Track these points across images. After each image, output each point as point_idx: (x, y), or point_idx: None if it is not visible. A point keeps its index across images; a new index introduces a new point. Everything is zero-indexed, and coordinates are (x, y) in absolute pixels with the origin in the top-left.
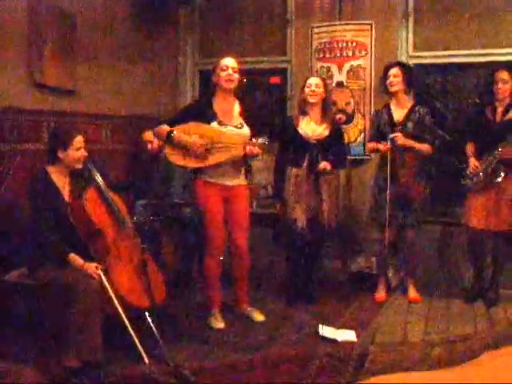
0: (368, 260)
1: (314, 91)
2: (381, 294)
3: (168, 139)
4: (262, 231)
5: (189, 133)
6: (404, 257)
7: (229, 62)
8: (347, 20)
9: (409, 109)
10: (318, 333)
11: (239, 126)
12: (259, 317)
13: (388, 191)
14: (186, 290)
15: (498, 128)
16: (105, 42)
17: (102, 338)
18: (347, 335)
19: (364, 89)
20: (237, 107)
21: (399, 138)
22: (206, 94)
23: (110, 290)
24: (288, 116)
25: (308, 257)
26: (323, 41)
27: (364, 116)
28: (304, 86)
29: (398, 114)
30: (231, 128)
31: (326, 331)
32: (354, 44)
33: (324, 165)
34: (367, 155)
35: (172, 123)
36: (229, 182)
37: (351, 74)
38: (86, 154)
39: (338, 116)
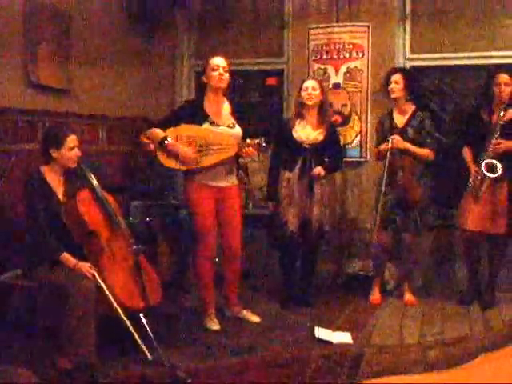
0: (364, 263)
1: (310, 94)
2: (376, 296)
3: (161, 145)
4: (257, 232)
5: (181, 136)
6: (401, 260)
7: (219, 61)
8: (344, 22)
9: (410, 114)
10: (313, 335)
11: (231, 125)
12: (254, 318)
13: (383, 191)
14: (182, 291)
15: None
16: (101, 42)
17: (96, 339)
18: (343, 337)
19: (360, 91)
20: (227, 107)
21: (397, 140)
22: (197, 95)
23: (105, 288)
24: (284, 118)
25: (301, 260)
26: (320, 42)
27: (360, 118)
28: (301, 89)
29: (399, 119)
30: (223, 128)
31: (321, 333)
32: (351, 46)
33: (318, 170)
34: (364, 157)
35: (164, 125)
36: (221, 183)
37: (348, 75)
38: (79, 153)
39: (334, 118)
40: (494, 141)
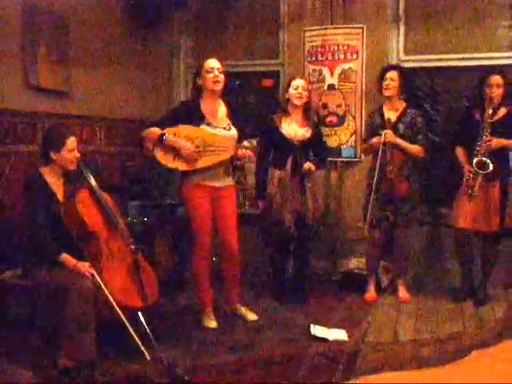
0: (358, 260)
1: (301, 93)
2: (371, 294)
3: (159, 142)
4: (253, 231)
5: (179, 135)
6: (394, 257)
7: (214, 63)
8: (339, 24)
9: (401, 111)
10: (309, 332)
11: (227, 127)
12: (251, 316)
13: (375, 188)
14: (180, 290)
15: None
16: (99, 44)
17: (95, 337)
18: (338, 335)
19: (355, 91)
20: (223, 109)
21: (389, 134)
22: (193, 96)
23: (104, 288)
24: (270, 117)
25: (295, 257)
26: (315, 44)
27: (355, 118)
28: (288, 87)
29: (391, 115)
30: (220, 130)
31: (317, 331)
32: (346, 47)
33: (308, 165)
34: (358, 157)
35: (161, 125)
36: (217, 184)
37: (343, 76)
38: (78, 155)
39: (330, 118)
40: (484, 138)
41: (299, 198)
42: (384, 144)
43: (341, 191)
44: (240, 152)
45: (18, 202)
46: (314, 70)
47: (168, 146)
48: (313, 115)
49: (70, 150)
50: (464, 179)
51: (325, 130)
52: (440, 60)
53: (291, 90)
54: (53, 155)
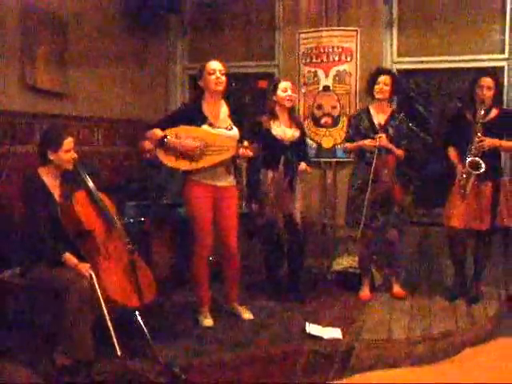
0: (353, 259)
1: (291, 96)
2: (365, 292)
3: (161, 144)
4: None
5: (180, 136)
6: (386, 256)
7: (215, 65)
8: (333, 26)
9: (388, 115)
10: (304, 330)
11: (229, 127)
12: (247, 315)
13: (369, 188)
14: (178, 289)
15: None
16: (96, 46)
17: (93, 336)
18: (333, 333)
19: (349, 93)
20: (225, 109)
21: (383, 138)
22: (195, 98)
23: (97, 288)
24: (257, 120)
25: (289, 257)
26: (310, 46)
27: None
28: (276, 90)
29: (379, 118)
30: (221, 130)
31: (312, 329)
32: (340, 50)
33: (304, 166)
34: (352, 157)
35: (163, 126)
36: (219, 183)
37: (337, 78)
38: (75, 155)
39: (325, 120)
40: (477, 139)
41: (290, 198)
42: (380, 149)
43: (335, 191)
44: (240, 151)
45: (17, 202)
46: (308, 72)
47: (170, 148)
48: (297, 115)
49: (68, 151)
50: (457, 179)
51: (320, 131)
52: (433, 62)
53: (280, 93)
54: (50, 155)
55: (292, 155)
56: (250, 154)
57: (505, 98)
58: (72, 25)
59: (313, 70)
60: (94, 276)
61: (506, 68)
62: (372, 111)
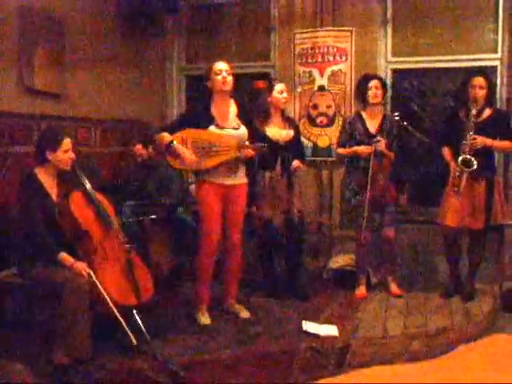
0: (349, 258)
1: (286, 97)
2: (362, 290)
3: (167, 149)
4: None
5: (186, 140)
6: (382, 255)
7: (222, 65)
8: (328, 27)
9: (381, 119)
10: (301, 328)
11: (236, 126)
12: (245, 313)
13: (368, 192)
14: (176, 287)
15: (474, 130)
16: (93, 47)
17: (91, 335)
18: (329, 330)
19: (345, 92)
20: (234, 109)
21: (382, 143)
22: (203, 99)
23: (100, 286)
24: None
25: (288, 255)
26: (305, 46)
27: (344, 119)
28: (272, 92)
29: (372, 123)
30: (229, 130)
31: (309, 326)
32: (335, 50)
33: (297, 163)
34: (346, 161)
35: (171, 129)
36: (227, 181)
37: (332, 78)
38: (73, 156)
39: (320, 119)
40: (469, 137)
41: (287, 198)
42: (375, 152)
43: (331, 190)
44: (241, 151)
45: (15, 203)
46: (304, 72)
47: (175, 153)
48: (289, 115)
49: (66, 151)
50: (450, 177)
51: (315, 131)
52: (427, 62)
53: (276, 95)
54: (48, 155)
55: (288, 155)
56: (252, 153)
57: (498, 97)
58: (69, 27)
59: (308, 69)
60: (92, 274)
61: (498, 67)
62: (365, 116)
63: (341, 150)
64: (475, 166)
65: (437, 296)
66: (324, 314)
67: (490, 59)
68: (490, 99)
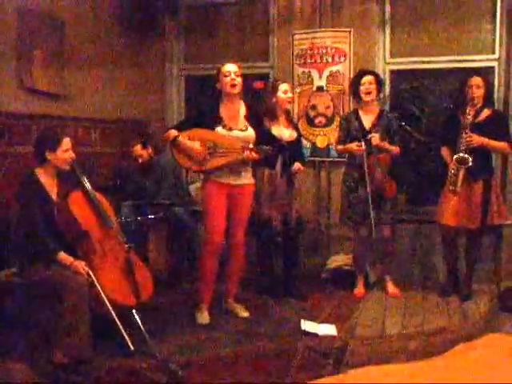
0: (347, 257)
1: (290, 97)
2: (360, 290)
3: (173, 144)
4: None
5: (193, 138)
6: (380, 254)
7: (230, 67)
8: (327, 27)
9: (377, 114)
10: (300, 327)
11: (244, 128)
12: (244, 313)
13: (368, 188)
14: (174, 287)
15: (471, 130)
16: (93, 47)
17: (90, 334)
18: (328, 329)
19: (343, 93)
20: (243, 110)
21: (375, 138)
22: (212, 100)
23: (98, 286)
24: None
25: (285, 254)
26: (304, 47)
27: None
28: (275, 91)
29: (368, 119)
30: (236, 132)
31: (307, 326)
32: (334, 50)
33: (298, 166)
34: (345, 157)
35: (180, 128)
36: (233, 181)
37: (331, 78)
38: (73, 155)
39: (319, 119)
40: (465, 135)
41: (286, 198)
42: (371, 147)
43: (329, 190)
44: (245, 154)
45: (14, 202)
46: (302, 73)
47: (181, 148)
48: (292, 116)
49: (65, 151)
50: (448, 176)
51: (314, 131)
52: (425, 62)
53: (281, 95)
54: (48, 155)
55: (290, 155)
56: (255, 156)
57: (495, 98)
58: (69, 27)
59: (307, 70)
60: (91, 273)
61: (496, 68)
62: (360, 112)
63: (338, 147)
64: (470, 163)
65: (434, 296)
66: (322, 314)
67: (487, 60)
68: (488, 99)
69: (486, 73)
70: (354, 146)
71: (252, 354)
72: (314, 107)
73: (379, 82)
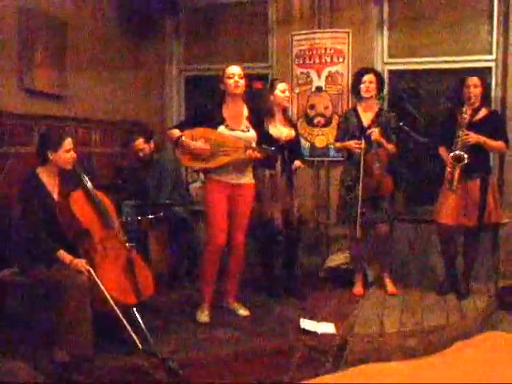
0: (346, 256)
1: (288, 96)
2: (358, 288)
3: (176, 143)
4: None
5: (196, 137)
6: (378, 252)
7: (234, 69)
8: (326, 28)
9: (376, 112)
10: (299, 326)
11: (245, 129)
12: (244, 312)
13: (360, 186)
14: (175, 286)
15: (468, 129)
16: (94, 49)
17: (91, 332)
18: (327, 328)
19: (342, 93)
20: (245, 112)
21: (375, 133)
22: (216, 100)
23: (100, 283)
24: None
25: (285, 254)
26: (303, 48)
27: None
28: (273, 91)
29: (367, 116)
30: (238, 132)
31: (307, 324)
32: (332, 51)
33: (298, 163)
34: (344, 157)
35: (182, 127)
36: (234, 181)
37: (329, 79)
38: (75, 155)
39: (317, 119)
40: (461, 133)
41: (286, 197)
42: (370, 144)
43: (328, 189)
44: (247, 153)
45: (15, 202)
46: (301, 73)
47: (184, 148)
48: (289, 115)
49: (67, 151)
50: (445, 174)
51: (313, 131)
52: (423, 63)
53: (279, 94)
54: (50, 155)
55: (289, 154)
56: (257, 155)
57: (492, 97)
58: (69, 28)
59: (305, 70)
60: (92, 271)
61: (493, 68)
62: (359, 110)
63: (336, 144)
64: (466, 161)
65: (432, 294)
66: (322, 312)
67: (484, 60)
68: (485, 99)
69: (483, 73)
70: (352, 143)
71: (252, 352)
72: (312, 107)
73: (380, 81)
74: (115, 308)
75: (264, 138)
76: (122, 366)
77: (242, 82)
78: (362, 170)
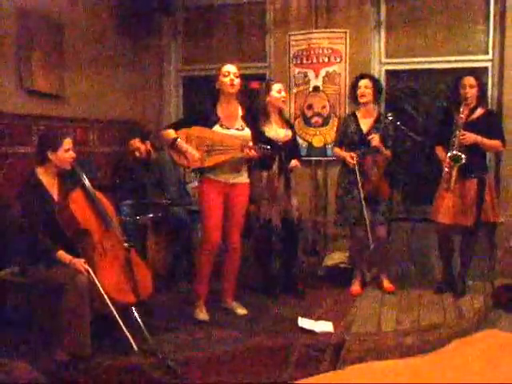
0: (343, 255)
1: (284, 97)
2: (356, 287)
3: (172, 145)
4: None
5: (191, 136)
6: (376, 252)
7: (230, 68)
8: (323, 28)
9: (375, 118)
10: (297, 324)
11: (240, 128)
12: (242, 311)
13: (359, 191)
14: (173, 285)
15: (464, 128)
16: (92, 48)
17: (91, 331)
18: (325, 326)
19: (339, 93)
20: (240, 111)
21: (375, 139)
22: (210, 99)
23: (98, 283)
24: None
25: (284, 254)
26: (300, 48)
27: (339, 119)
28: (269, 91)
29: (365, 123)
30: (233, 131)
31: (304, 323)
32: (330, 51)
33: (295, 163)
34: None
35: (177, 127)
36: (229, 180)
37: (327, 79)
38: (74, 155)
39: (315, 119)
40: (458, 133)
41: (284, 197)
42: (370, 150)
43: (326, 189)
44: (244, 151)
45: (15, 202)
46: (299, 73)
47: (180, 150)
48: (286, 115)
49: (67, 150)
50: (443, 174)
51: (310, 131)
52: (420, 63)
53: (275, 94)
54: (49, 155)
55: (286, 154)
56: (254, 154)
57: (489, 97)
58: (68, 28)
59: (303, 71)
60: (91, 271)
61: (489, 68)
62: (358, 115)
63: (334, 150)
64: (463, 161)
65: (429, 292)
66: (319, 311)
67: (481, 60)
68: (481, 99)
69: (479, 73)
70: (347, 156)
71: (249, 351)
72: (310, 107)
73: (376, 86)
74: (112, 307)
75: (261, 140)
76: (120, 365)
77: (238, 80)
78: (358, 176)
